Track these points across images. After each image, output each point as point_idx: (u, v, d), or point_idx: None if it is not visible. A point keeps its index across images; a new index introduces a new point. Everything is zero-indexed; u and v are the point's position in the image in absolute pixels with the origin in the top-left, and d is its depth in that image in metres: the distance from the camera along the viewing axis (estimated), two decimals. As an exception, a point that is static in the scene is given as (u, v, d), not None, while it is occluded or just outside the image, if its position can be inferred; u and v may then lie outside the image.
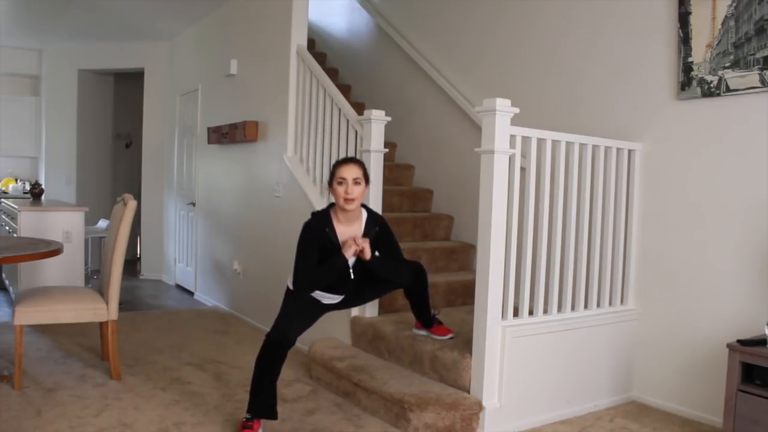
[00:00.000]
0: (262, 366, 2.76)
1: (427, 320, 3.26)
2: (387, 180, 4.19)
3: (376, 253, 2.88)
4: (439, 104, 4.77)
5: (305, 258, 2.80)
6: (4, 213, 5.81)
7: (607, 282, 3.37)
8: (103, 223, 6.07)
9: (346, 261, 2.77)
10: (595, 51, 3.64)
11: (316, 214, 2.91)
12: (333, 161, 3.99)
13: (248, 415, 2.77)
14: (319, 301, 2.96)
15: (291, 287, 2.95)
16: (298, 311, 2.87)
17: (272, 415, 2.79)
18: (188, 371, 3.72)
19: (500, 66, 4.29)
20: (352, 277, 2.82)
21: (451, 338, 3.20)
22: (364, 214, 2.94)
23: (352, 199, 2.78)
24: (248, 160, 5.16)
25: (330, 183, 2.85)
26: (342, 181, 2.78)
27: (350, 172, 2.79)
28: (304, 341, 3.66)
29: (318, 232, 2.81)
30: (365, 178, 2.84)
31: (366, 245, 2.76)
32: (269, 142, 4.83)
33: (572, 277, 3.22)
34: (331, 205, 2.91)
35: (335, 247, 2.80)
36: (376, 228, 2.92)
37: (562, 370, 3.12)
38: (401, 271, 2.98)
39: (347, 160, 2.89)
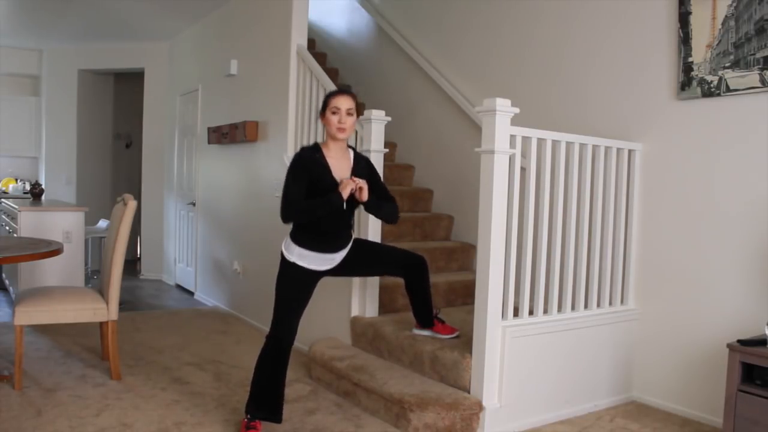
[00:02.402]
0: (265, 368, 2.76)
1: (428, 319, 3.25)
2: (387, 180, 4.18)
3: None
4: (439, 104, 4.77)
5: (296, 188, 2.73)
6: (4, 213, 5.81)
7: (607, 282, 3.37)
8: (103, 223, 6.07)
9: (343, 200, 2.70)
10: (595, 51, 3.64)
11: (306, 147, 2.89)
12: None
13: (249, 416, 2.77)
14: (312, 274, 2.85)
15: (285, 254, 2.83)
16: (292, 299, 2.81)
17: (276, 417, 2.78)
18: (188, 371, 3.72)
19: (499, 66, 4.29)
20: (345, 208, 2.76)
21: (457, 337, 3.19)
22: (351, 153, 2.93)
23: (345, 129, 2.77)
24: (248, 160, 5.16)
25: (322, 113, 2.83)
26: (336, 111, 2.77)
27: (344, 102, 2.78)
28: (304, 341, 3.67)
29: (309, 160, 2.77)
30: (357, 110, 2.84)
31: (364, 185, 2.72)
32: (269, 142, 4.83)
33: (572, 277, 3.22)
34: (318, 144, 2.90)
35: (329, 179, 2.76)
36: (364, 163, 2.92)
37: (562, 370, 3.12)
38: (393, 208, 2.95)
39: (341, 91, 2.88)
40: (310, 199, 2.73)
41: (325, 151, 2.83)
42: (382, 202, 2.91)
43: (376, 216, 2.99)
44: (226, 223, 5.58)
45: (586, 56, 3.69)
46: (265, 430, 2.83)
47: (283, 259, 2.85)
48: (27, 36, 6.94)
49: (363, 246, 3.08)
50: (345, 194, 2.69)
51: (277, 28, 4.72)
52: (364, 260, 3.05)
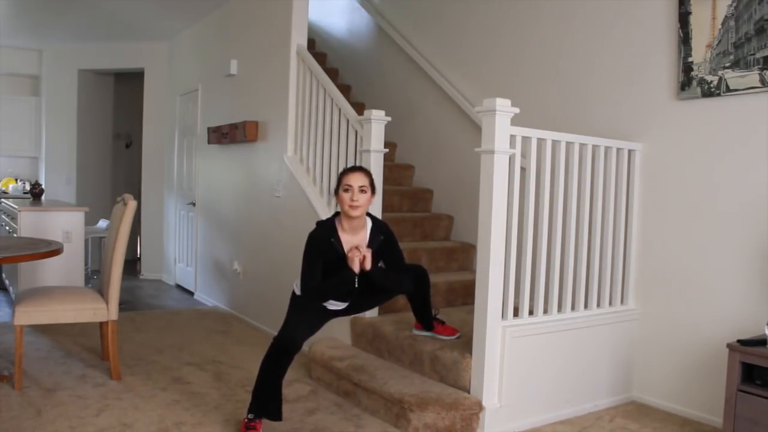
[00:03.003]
0: (269, 368, 2.76)
1: (428, 322, 3.26)
2: (387, 180, 4.19)
3: (380, 264, 2.89)
4: (440, 104, 4.77)
5: (312, 270, 2.79)
6: (4, 213, 5.81)
7: (607, 282, 3.37)
8: (103, 223, 6.07)
9: (355, 275, 2.74)
10: (595, 51, 3.64)
11: (321, 224, 2.90)
12: (333, 163, 4.01)
13: (251, 416, 2.78)
14: (324, 308, 2.95)
15: (297, 292, 2.94)
16: (304, 316, 2.86)
17: (277, 416, 2.79)
18: (188, 371, 3.72)
19: (499, 66, 4.29)
20: (357, 286, 2.80)
21: (458, 338, 3.19)
22: (369, 223, 2.93)
23: (357, 206, 2.77)
24: (248, 160, 5.16)
25: (336, 191, 2.85)
26: (348, 188, 2.78)
27: (356, 179, 2.79)
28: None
29: (323, 242, 2.81)
30: (371, 187, 2.84)
31: (368, 254, 2.75)
32: (269, 142, 4.83)
33: (572, 277, 3.22)
34: (336, 215, 2.91)
35: (341, 257, 2.79)
36: (381, 237, 2.91)
37: (562, 370, 3.12)
38: (402, 280, 2.97)
39: (354, 168, 2.90)
40: (327, 281, 2.79)
41: (339, 225, 2.85)
42: (389, 272, 2.93)
43: (380, 285, 2.91)
44: (226, 223, 5.58)
45: (586, 56, 3.69)
46: (265, 429, 2.83)
47: (293, 293, 2.95)
48: (27, 36, 6.94)
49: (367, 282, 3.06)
50: (355, 268, 2.73)
51: (277, 28, 4.72)
52: (372, 290, 2.98)
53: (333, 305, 2.96)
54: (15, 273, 5.06)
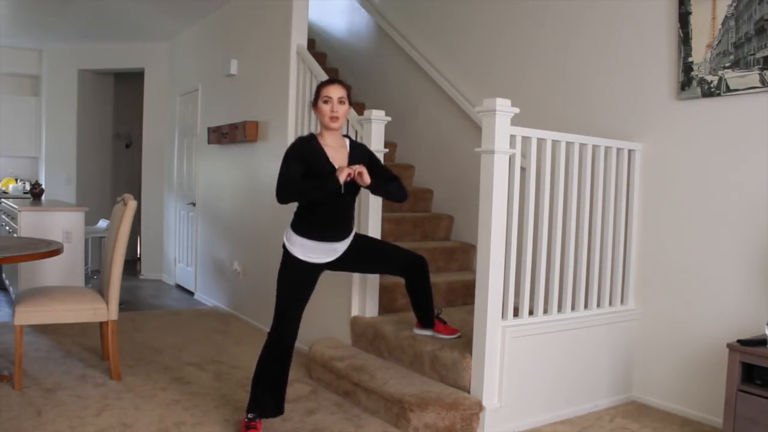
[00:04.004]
0: (269, 365, 2.75)
1: (429, 319, 3.25)
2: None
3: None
4: (439, 104, 4.77)
5: (292, 167, 2.72)
6: (4, 213, 5.81)
7: (607, 282, 3.37)
8: (103, 223, 6.07)
9: (339, 184, 2.67)
10: (595, 51, 3.64)
11: (300, 136, 2.89)
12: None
13: (251, 415, 2.77)
14: (313, 267, 2.84)
15: (287, 245, 2.81)
16: (295, 296, 2.79)
17: (276, 412, 2.78)
18: (188, 371, 3.72)
19: (499, 66, 4.29)
20: (343, 192, 2.73)
21: (458, 338, 3.19)
22: (347, 141, 2.93)
23: (338, 117, 2.78)
24: (248, 160, 5.16)
25: (314, 103, 2.84)
26: (327, 100, 2.77)
27: (336, 91, 2.79)
28: (304, 341, 3.67)
29: (304, 147, 2.77)
30: (348, 99, 2.84)
31: (363, 170, 2.69)
32: (269, 142, 4.83)
33: (572, 277, 3.22)
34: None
35: (324, 158, 2.75)
36: (363, 154, 2.91)
37: (562, 370, 3.12)
38: (401, 187, 2.93)
39: (332, 81, 2.87)
40: (308, 181, 2.71)
41: (320, 141, 2.82)
42: (387, 183, 2.90)
43: (386, 197, 2.96)
44: (226, 223, 5.58)
45: (587, 57, 3.69)
46: (265, 429, 2.83)
47: (285, 252, 2.83)
48: (27, 36, 6.94)
49: (365, 241, 3.08)
50: (342, 178, 2.66)
51: (277, 28, 4.72)
52: (366, 255, 3.03)
53: (319, 257, 2.83)
54: (15, 273, 5.06)
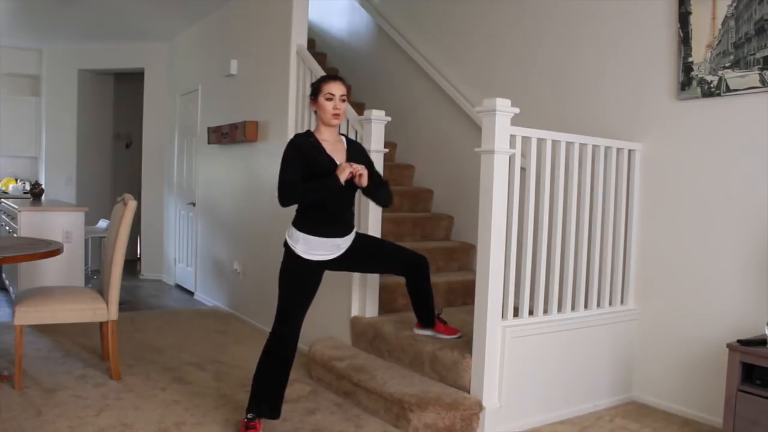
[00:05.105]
0: (266, 366, 2.75)
1: (429, 318, 3.24)
2: (387, 180, 4.18)
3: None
4: (439, 104, 4.77)
5: (292, 167, 2.71)
6: (4, 213, 5.81)
7: (607, 282, 3.37)
8: (103, 223, 6.07)
9: (340, 183, 2.67)
10: (596, 51, 3.64)
11: (298, 133, 2.88)
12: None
13: (250, 415, 2.77)
14: (316, 266, 2.83)
15: (290, 243, 2.80)
16: (298, 295, 2.78)
17: (275, 414, 2.78)
18: (188, 371, 3.72)
19: (499, 66, 4.29)
20: (344, 189, 2.74)
21: (459, 338, 3.19)
22: (344, 139, 2.94)
23: (340, 114, 2.78)
24: (248, 160, 5.16)
25: (314, 98, 2.82)
26: (330, 97, 2.77)
27: (338, 88, 2.79)
28: (304, 341, 3.66)
29: (303, 144, 2.77)
30: (348, 96, 2.86)
31: (364, 171, 2.70)
32: (269, 142, 4.83)
33: (572, 277, 3.22)
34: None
35: (324, 155, 2.75)
36: (360, 152, 2.93)
37: (562, 370, 3.12)
38: (389, 194, 2.98)
39: (334, 77, 2.87)
40: (308, 182, 2.70)
41: (318, 137, 2.83)
42: (377, 187, 2.91)
43: (373, 200, 3.02)
44: (226, 223, 5.58)
45: (587, 57, 3.69)
46: (265, 429, 2.83)
47: (287, 251, 2.82)
48: (27, 36, 6.93)
49: (366, 240, 3.08)
50: (342, 178, 2.66)
51: (277, 28, 4.72)
52: (367, 254, 3.02)
53: (319, 254, 2.82)
54: (15, 273, 5.06)
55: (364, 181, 2.71)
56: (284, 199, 2.71)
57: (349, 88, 2.93)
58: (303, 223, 2.80)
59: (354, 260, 2.97)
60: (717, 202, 3.10)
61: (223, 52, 5.62)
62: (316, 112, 2.86)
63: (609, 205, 3.35)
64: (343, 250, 2.88)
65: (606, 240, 3.35)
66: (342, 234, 2.86)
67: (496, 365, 2.87)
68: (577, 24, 3.75)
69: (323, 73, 4.22)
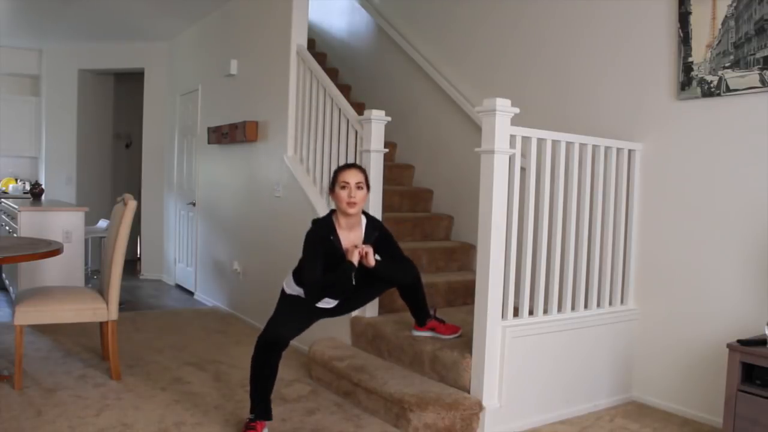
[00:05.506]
0: (256, 368, 2.75)
1: (421, 318, 3.25)
2: (387, 180, 4.18)
3: (376, 257, 2.87)
4: (439, 104, 4.77)
5: (314, 267, 2.76)
6: (4, 213, 5.80)
7: (607, 282, 3.37)
8: (103, 223, 6.07)
9: (354, 267, 2.72)
10: (596, 51, 3.64)
11: (318, 222, 2.89)
12: (333, 163, 4.00)
13: (251, 416, 2.78)
14: (314, 306, 2.91)
15: (287, 290, 2.94)
16: (292, 314, 2.85)
17: (266, 416, 2.78)
18: (188, 371, 3.72)
19: (499, 66, 4.29)
20: (353, 282, 2.78)
21: (459, 336, 3.19)
22: (364, 220, 2.93)
23: (355, 203, 2.78)
24: (248, 160, 5.16)
25: (332, 188, 2.84)
26: (345, 185, 2.78)
27: (353, 176, 2.80)
28: (304, 341, 3.67)
29: (323, 240, 2.80)
30: (366, 184, 2.85)
31: (369, 251, 2.75)
32: (269, 142, 4.83)
33: (572, 277, 3.22)
34: (332, 212, 2.90)
35: (340, 254, 2.79)
36: (376, 233, 2.92)
37: (562, 370, 3.12)
38: (405, 268, 2.99)
39: (350, 166, 2.89)
40: (326, 275, 2.74)
41: (336, 223, 2.85)
42: (393, 263, 2.93)
43: (390, 280, 2.97)
44: (226, 223, 5.58)
45: (587, 57, 3.69)
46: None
47: (283, 291, 2.93)
48: (27, 36, 6.93)
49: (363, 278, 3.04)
50: (355, 260, 2.71)
51: (277, 28, 4.72)
52: (362, 284, 2.92)
53: (324, 302, 2.91)
54: (15, 273, 5.06)
55: (371, 261, 2.74)
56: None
57: (367, 176, 2.91)
58: (300, 281, 2.86)
59: (352, 301, 3.01)
60: (717, 202, 3.10)
61: (223, 52, 5.62)
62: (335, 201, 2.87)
63: (609, 205, 3.35)
64: (338, 301, 2.94)
65: (606, 240, 3.35)
66: (341, 297, 2.91)
67: (496, 365, 2.87)
68: (577, 24, 3.75)
69: (323, 73, 4.24)
